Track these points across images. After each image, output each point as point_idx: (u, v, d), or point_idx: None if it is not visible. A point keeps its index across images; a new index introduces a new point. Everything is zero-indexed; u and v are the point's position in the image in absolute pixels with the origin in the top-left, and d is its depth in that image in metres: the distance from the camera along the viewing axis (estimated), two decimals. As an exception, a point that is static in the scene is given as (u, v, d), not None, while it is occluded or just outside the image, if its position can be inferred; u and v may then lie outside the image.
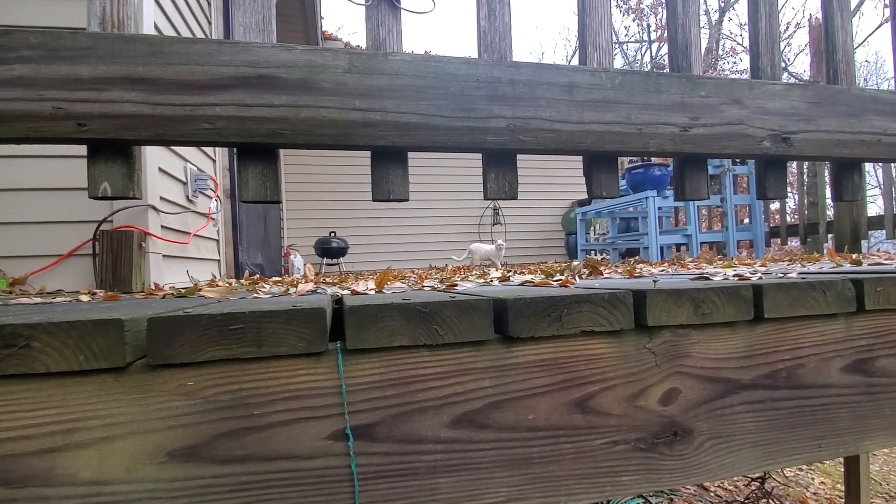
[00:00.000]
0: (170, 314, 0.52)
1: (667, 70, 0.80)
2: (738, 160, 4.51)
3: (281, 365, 0.56)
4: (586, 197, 6.06)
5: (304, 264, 4.96)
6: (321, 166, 6.72)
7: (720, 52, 15.68)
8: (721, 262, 2.77)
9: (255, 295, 0.94)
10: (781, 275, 0.93)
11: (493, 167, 0.71)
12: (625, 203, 5.01)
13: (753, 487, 2.26)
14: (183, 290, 1.20)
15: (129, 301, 0.99)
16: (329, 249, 6.02)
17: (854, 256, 2.23)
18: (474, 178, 5.48)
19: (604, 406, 0.66)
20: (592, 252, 6.11)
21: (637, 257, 4.95)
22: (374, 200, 0.68)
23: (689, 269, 1.94)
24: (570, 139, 0.67)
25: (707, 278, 0.94)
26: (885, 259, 2.13)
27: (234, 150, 0.62)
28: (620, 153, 0.73)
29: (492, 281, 1.41)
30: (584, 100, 0.68)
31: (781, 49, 0.98)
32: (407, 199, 0.69)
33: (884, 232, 3.38)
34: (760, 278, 0.88)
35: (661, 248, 4.69)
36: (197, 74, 0.56)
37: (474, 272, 2.70)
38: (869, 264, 1.60)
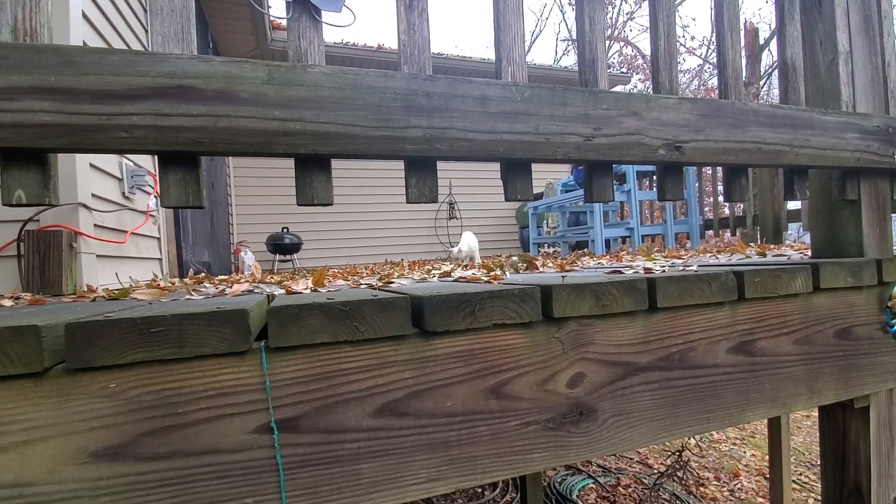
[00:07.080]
0: (89, 319, 0.54)
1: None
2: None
3: (205, 364, 0.58)
4: (539, 192, 6.15)
5: (254, 262, 4.84)
6: (273, 160, 6.54)
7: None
8: (659, 253, 2.96)
9: (189, 296, 0.94)
10: (682, 267, 1.03)
11: (413, 173, 0.76)
12: (573, 198, 5.20)
13: (677, 457, 2.56)
14: (115, 292, 1.17)
15: (55, 305, 0.97)
16: (282, 245, 5.90)
17: (763, 247, 2.45)
18: (429, 173, 5.43)
19: (517, 391, 0.73)
20: (545, 245, 6.30)
21: (586, 249, 5.16)
22: (298, 205, 0.71)
23: (622, 261, 2.07)
24: (484, 147, 0.73)
25: (620, 272, 1.04)
26: (794, 250, 2.35)
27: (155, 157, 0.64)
28: (531, 160, 0.80)
29: (434, 277, 1.46)
30: (496, 111, 0.74)
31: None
32: (331, 204, 0.73)
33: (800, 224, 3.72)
34: (664, 271, 0.97)
35: (608, 241, 4.90)
36: (112, 84, 0.57)
37: (426, 267, 2.75)
38: (773, 255, 1.77)
